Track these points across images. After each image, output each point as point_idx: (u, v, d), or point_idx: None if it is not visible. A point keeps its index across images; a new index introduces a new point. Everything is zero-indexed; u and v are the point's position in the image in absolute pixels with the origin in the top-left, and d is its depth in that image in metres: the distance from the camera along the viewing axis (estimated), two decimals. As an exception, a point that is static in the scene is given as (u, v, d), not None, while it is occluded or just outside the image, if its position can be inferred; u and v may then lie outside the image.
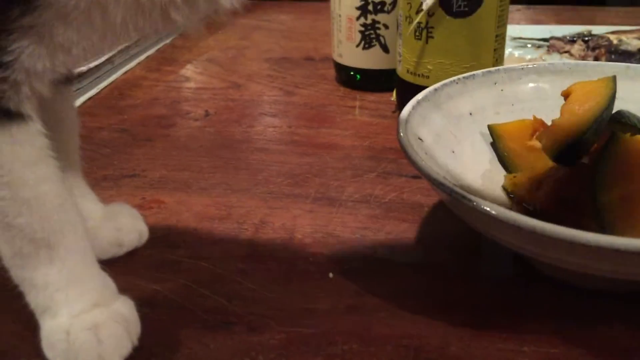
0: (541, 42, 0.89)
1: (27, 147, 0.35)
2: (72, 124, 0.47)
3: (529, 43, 0.90)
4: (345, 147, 0.66)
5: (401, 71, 0.68)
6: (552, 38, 0.90)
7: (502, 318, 0.42)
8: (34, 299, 0.38)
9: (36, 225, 0.36)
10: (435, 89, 0.51)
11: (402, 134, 0.43)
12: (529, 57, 0.85)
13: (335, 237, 0.51)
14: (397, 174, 0.60)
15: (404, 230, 0.51)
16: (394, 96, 0.74)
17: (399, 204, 0.55)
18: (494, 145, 0.52)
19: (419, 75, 0.66)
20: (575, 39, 0.89)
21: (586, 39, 0.88)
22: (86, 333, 0.37)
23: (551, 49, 0.87)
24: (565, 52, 0.86)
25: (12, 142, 0.35)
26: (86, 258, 0.39)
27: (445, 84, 0.52)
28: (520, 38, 0.90)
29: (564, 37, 0.90)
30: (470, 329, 0.41)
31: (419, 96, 0.50)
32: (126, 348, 0.38)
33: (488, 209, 0.35)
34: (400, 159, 0.63)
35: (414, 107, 0.48)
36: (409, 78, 0.67)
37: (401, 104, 0.72)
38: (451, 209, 0.42)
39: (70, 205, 0.38)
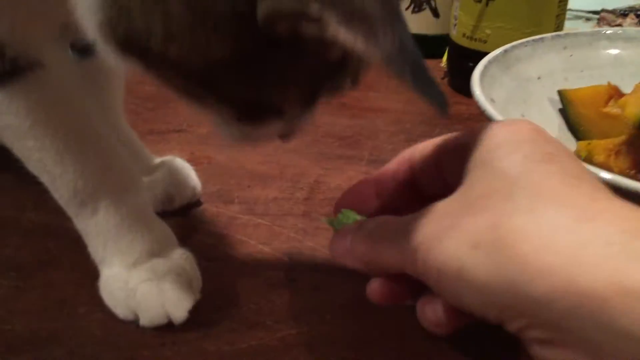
0: (591, 15, 0.87)
1: (46, 90, 0.35)
2: (116, 78, 0.46)
3: (579, 15, 0.87)
4: (396, 111, 0.64)
5: (456, 35, 0.66)
6: (603, 11, 0.87)
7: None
8: (92, 249, 0.38)
9: (72, 174, 0.36)
10: (505, 51, 0.49)
11: (478, 93, 0.42)
12: (579, 29, 0.82)
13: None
14: (452, 140, 0.58)
15: (464, 196, 0.50)
16: (444, 62, 0.72)
17: (457, 169, 0.53)
18: (564, 111, 0.50)
19: (475, 39, 0.64)
20: (627, 12, 0.86)
21: (639, 12, 0.85)
22: (147, 284, 0.36)
23: (601, 21, 0.84)
24: (617, 25, 0.83)
25: (28, 89, 0.34)
26: (138, 206, 0.38)
27: (514, 46, 0.50)
28: (570, 10, 0.87)
29: (615, 10, 0.87)
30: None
31: (489, 57, 0.48)
32: (189, 301, 0.36)
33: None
34: (454, 125, 0.61)
35: (485, 67, 0.46)
36: (465, 42, 0.65)
37: (453, 69, 0.70)
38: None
39: (107, 151, 0.37)
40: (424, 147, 0.36)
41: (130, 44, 0.26)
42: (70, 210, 0.37)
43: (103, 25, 0.26)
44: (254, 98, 0.29)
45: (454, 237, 0.27)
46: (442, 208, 0.29)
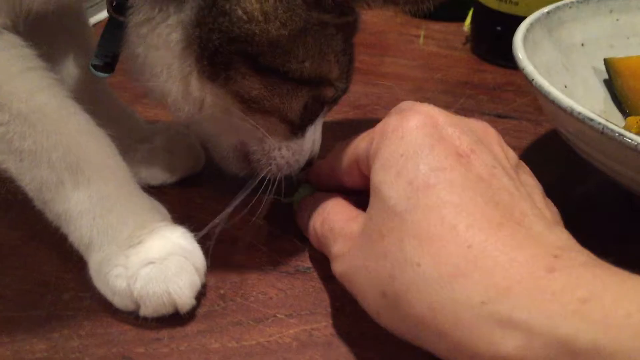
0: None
1: (6, 57, 0.31)
2: (86, 42, 0.41)
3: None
4: (415, 79, 0.59)
5: (483, -4, 0.60)
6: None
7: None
8: (74, 234, 0.33)
9: (46, 144, 0.31)
10: (548, 12, 0.44)
11: (523, 59, 0.36)
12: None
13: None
14: (478, 111, 0.53)
15: (495, 174, 0.45)
16: (466, 25, 0.66)
17: (485, 144, 0.48)
18: (610, 82, 0.45)
19: (506, 1, 0.58)
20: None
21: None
22: (149, 268, 0.31)
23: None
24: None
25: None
26: (121, 179, 0.34)
27: (557, 7, 0.45)
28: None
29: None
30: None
31: (531, 19, 0.42)
32: (196, 285, 0.32)
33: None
34: (479, 95, 0.56)
35: (527, 30, 0.41)
36: (493, 4, 0.59)
37: (478, 34, 0.64)
38: (576, 146, 0.36)
39: (85, 121, 0.33)
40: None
41: (236, 39, 0.31)
42: (45, 196, 0.32)
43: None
44: (317, 71, 0.34)
45: (367, 280, 0.28)
46: (357, 240, 0.30)
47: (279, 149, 0.37)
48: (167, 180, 0.42)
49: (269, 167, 0.37)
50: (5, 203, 0.39)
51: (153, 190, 0.39)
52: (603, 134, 0.30)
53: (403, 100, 0.56)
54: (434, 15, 0.72)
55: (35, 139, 0.31)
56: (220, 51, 0.32)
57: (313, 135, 0.38)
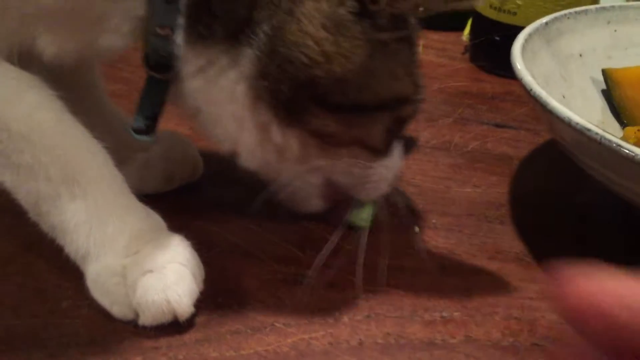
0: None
1: (5, 85, 0.32)
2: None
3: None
4: (414, 88, 0.59)
5: (482, 6, 0.61)
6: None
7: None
8: (70, 246, 0.33)
9: (44, 159, 0.31)
10: (546, 23, 0.44)
11: (521, 69, 0.37)
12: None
13: (416, 187, 0.44)
14: (476, 120, 0.53)
15: (493, 183, 0.45)
16: (465, 35, 0.67)
17: (483, 154, 0.49)
18: (607, 93, 0.45)
19: (504, 11, 0.58)
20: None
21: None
22: (148, 277, 0.31)
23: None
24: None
25: None
26: (115, 187, 0.34)
27: (556, 18, 0.45)
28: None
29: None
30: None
31: (530, 29, 0.43)
32: (194, 293, 0.32)
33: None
34: (478, 105, 0.56)
35: (526, 40, 0.41)
36: (491, 14, 0.60)
37: (476, 44, 0.64)
38: (574, 156, 0.36)
39: (81, 134, 0.33)
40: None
41: (304, 85, 0.30)
42: (41, 208, 0.32)
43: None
44: (391, 94, 0.33)
45: None
46: None
47: (370, 168, 0.35)
48: (165, 189, 0.42)
49: (366, 191, 0.36)
50: (3, 211, 0.39)
51: (150, 199, 0.39)
52: (601, 145, 0.30)
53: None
54: (433, 25, 0.72)
55: (33, 154, 0.31)
56: (293, 98, 0.31)
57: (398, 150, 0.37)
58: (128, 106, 0.52)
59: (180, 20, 0.31)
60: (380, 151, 0.35)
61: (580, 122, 0.31)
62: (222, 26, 0.31)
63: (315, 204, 0.37)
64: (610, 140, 0.30)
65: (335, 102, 0.32)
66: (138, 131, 0.35)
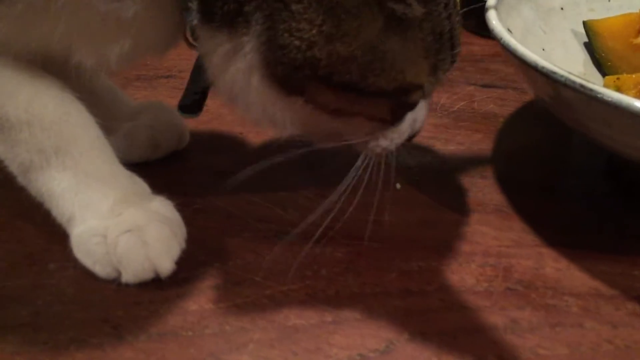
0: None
1: (3, 77, 0.32)
2: None
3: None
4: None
5: (469, -31, 0.60)
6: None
7: (602, 238, 0.36)
8: (57, 210, 0.34)
9: (40, 136, 0.32)
10: (525, -23, 0.44)
11: (494, 22, 0.37)
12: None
13: (400, 146, 0.45)
14: (464, 82, 0.53)
15: (477, 141, 0.45)
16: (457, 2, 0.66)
17: (469, 113, 0.49)
18: (589, 45, 0.45)
19: (491, -28, 0.58)
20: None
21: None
22: (128, 235, 0.32)
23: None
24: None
25: None
26: (104, 157, 0.35)
27: (535, -28, 0.44)
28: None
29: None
30: (567, 248, 0.35)
31: (507, -17, 0.42)
32: (175, 250, 0.33)
33: (629, 101, 0.28)
34: (466, 67, 0.56)
35: (502, -5, 0.41)
36: (479, -24, 0.59)
37: (466, 7, 0.64)
38: (551, 107, 0.36)
39: (77, 111, 0.34)
40: None
41: (302, 66, 0.29)
42: (30, 177, 0.34)
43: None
44: (401, 79, 0.30)
45: None
46: None
47: (375, 140, 0.34)
48: (152, 157, 0.43)
49: (366, 156, 0.35)
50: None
51: (138, 166, 0.40)
52: (566, 86, 0.30)
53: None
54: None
55: (31, 132, 0.33)
56: (291, 79, 0.30)
57: (413, 115, 0.34)
58: (120, 82, 0.53)
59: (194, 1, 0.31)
60: (389, 122, 0.33)
61: (546, 65, 0.31)
62: (222, 11, 0.30)
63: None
64: (573, 81, 0.30)
65: (338, 82, 0.30)
66: (184, 108, 0.36)
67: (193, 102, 0.35)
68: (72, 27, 0.31)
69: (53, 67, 0.38)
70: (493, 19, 0.37)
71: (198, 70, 0.35)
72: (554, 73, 0.31)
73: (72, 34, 0.31)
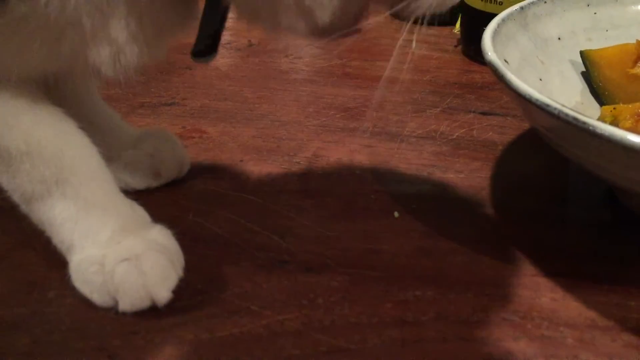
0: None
1: (2, 109, 0.33)
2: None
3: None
4: (404, 81, 0.60)
5: (469, -2, 0.61)
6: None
7: (599, 268, 0.36)
8: (57, 238, 0.35)
9: (42, 167, 0.33)
10: (522, 7, 0.44)
11: (489, 53, 0.37)
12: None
13: (399, 175, 0.45)
14: (464, 109, 0.54)
15: (476, 169, 0.45)
16: (457, 28, 0.67)
17: (468, 141, 0.49)
18: (587, 74, 0.45)
19: (490, 1, 0.59)
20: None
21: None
22: (125, 264, 0.32)
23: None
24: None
25: None
26: (103, 186, 0.35)
27: (532, 3, 0.45)
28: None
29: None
30: (564, 278, 0.35)
31: (504, 14, 0.43)
32: (172, 279, 0.33)
33: (624, 135, 0.28)
34: (466, 95, 0.57)
35: (498, 25, 0.41)
36: (479, 5, 0.60)
37: (467, 36, 0.65)
38: (549, 139, 0.36)
39: (79, 140, 0.35)
40: None
41: None
42: (32, 207, 0.34)
43: None
44: None
45: None
46: None
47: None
48: (152, 185, 0.43)
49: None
50: (0, 211, 0.41)
51: (137, 193, 0.41)
52: (560, 119, 0.31)
53: (391, 101, 0.57)
54: (428, 20, 0.73)
55: (32, 163, 0.33)
56: None
57: None
58: (124, 109, 0.54)
59: None
60: None
61: (540, 98, 0.32)
62: None
63: None
64: (567, 114, 0.30)
65: None
66: (199, 54, 0.35)
67: (206, 46, 0.35)
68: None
69: (55, 93, 0.38)
70: (489, 50, 0.37)
71: (208, 12, 0.34)
72: (548, 106, 0.31)
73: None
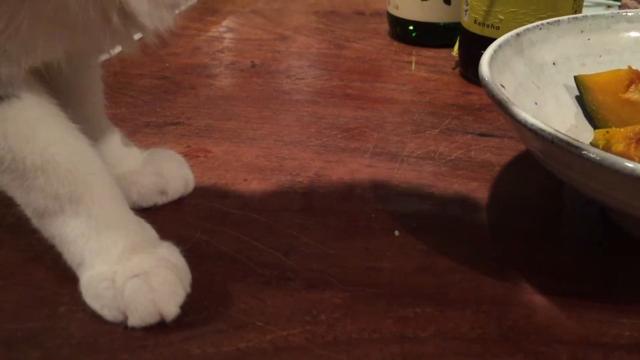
0: (612, 2, 0.83)
1: (21, 121, 0.34)
2: (93, 81, 0.43)
3: (599, 2, 0.83)
4: (404, 102, 0.61)
5: (467, 22, 0.63)
6: (624, -3, 0.83)
7: (593, 286, 0.37)
8: (68, 254, 0.36)
9: (56, 184, 0.34)
10: (517, 34, 0.46)
11: (487, 79, 0.39)
12: (599, 16, 0.78)
13: (399, 194, 0.46)
14: (462, 131, 0.55)
15: (474, 189, 0.47)
16: (455, 51, 0.69)
17: (466, 162, 0.50)
18: (581, 98, 0.46)
19: (487, 26, 0.60)
20: (649, -1, 0.82)
21: (662, -1, 0.81)
22: (135, 280, 0.34)
23: (623, 8, 0.81)
24: (639, 12, 0.79)
25: (4, 120, 0.33)
26: (115, 204, 0.36)
27: (528, 29, 0.47)
28: (589, -4, 0.84)
29: (637, -3, 0.83)
30: (558, 297, 0.36)
31: (500, 40, 0.45)
32: (180, 295, 0.34)
33: (615, 160, 0.29)
34: (464, 116, 0.58)
35: (495, 52, 0.43)
36: (476, 29, 0.62)
37: (465, 58, 0.67)
38: (543, 162, 0.38)
39: (92, 159, 0.36)
40: None
41: None
42: (44, 222, 0.36)
43: None
44: None
45: None
46: None
47: None
48: (158, 203, 0.44)
49: None
50: (10, 226, 0.42)
51: (145, 211, 0.42)
52: (554, 144, 0.32)
53: (390, 122, 0.58)
54: (427, 43, 0.75)
55: (47, 180, 0.34)
56: None
57: None
58: (130, 129, 0.56)
59: None
60: None
61: (535, 122, 0.33)
62: None
63: None
64: (560, 139, 0.31)
65: None
66: None
67: None
68: None
69: (65, 111, 0.39)
70: (486, 75, 0.39)
71: None
72: (542, 131, 0.32)
73: None
